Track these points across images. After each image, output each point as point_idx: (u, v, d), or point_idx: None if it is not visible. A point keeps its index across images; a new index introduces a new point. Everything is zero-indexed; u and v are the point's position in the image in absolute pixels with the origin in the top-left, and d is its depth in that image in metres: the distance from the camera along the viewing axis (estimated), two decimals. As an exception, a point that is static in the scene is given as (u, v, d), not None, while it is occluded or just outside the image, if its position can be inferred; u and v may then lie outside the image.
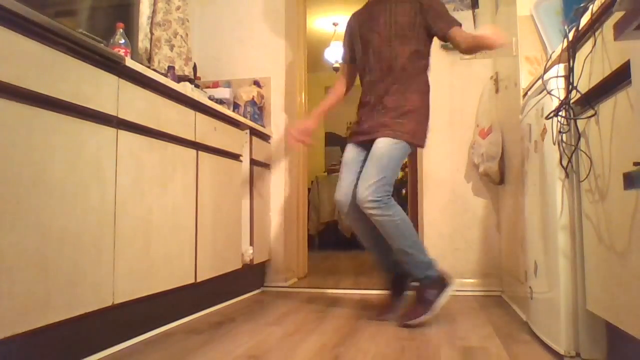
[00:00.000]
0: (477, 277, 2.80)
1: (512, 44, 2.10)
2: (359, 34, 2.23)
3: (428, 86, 2.21)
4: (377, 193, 1.96)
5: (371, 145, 2.08)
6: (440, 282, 2.03)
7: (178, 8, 2.64)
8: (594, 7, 1.22)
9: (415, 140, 2.11)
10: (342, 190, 2.14)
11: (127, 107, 1.68)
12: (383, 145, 2.04)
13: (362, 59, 2.22)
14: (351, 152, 2.20)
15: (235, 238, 2.58)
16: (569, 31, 1.40)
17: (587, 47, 1.31)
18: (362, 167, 2.11)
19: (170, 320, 1.99)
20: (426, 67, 2.20)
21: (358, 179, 2.07)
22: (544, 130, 1.58)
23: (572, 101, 1.39)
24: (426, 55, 2.19)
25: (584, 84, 1.33)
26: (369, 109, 2.16)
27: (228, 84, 3.01)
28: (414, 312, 1.94)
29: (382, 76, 2.13)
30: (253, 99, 2.95)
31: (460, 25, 2.08)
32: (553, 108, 1.45)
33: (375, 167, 2.00)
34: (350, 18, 2.35)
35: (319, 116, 2.42)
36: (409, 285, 2.15)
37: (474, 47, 2.00)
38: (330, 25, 5.58)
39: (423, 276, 2.03)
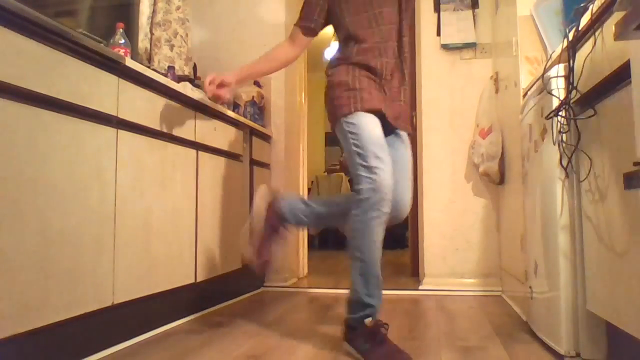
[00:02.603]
0: (477, 277, 2.80)
1: None
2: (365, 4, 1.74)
3: None
4: None
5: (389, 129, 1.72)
6: None
7: (178, 8, 2.64)
8: (594, 7, 1.22)
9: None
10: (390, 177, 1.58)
11: (127, 107, 1.68)
12: (409, 150, 1.81)
13: (372, 35, 1.72)
14: (378, 127, 1.66)
15: (235, 238, 2.58)
16: (569, 31, 1.40)
17: (587, 47, 1.31)
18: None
19: (170, 320, 1.99)
20: None
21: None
22: (544, 130, 1.58)
23: (572, 101, 1.39)
24: None
25: (584, 84, 1.33)
26: (390, 92, 1.73)
27: (228, 84, 3.01)
28: None
29: (398, 65, 1.75)
30: (253, 99, 2.95)
31: None
32: (553, 108, 1.45)
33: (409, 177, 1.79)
34: None
35: (244, 78, 1.99)
36: None
37: None
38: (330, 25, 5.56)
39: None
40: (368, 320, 1.55)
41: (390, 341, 1.55)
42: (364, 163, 1.58)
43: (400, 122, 1.76)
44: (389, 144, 1.67)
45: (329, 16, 1.85)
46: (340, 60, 1.78)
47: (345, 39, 1.81)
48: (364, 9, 1.74)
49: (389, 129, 1.73)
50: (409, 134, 1.84)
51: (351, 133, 1.67)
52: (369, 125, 1.65)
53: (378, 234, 1.57)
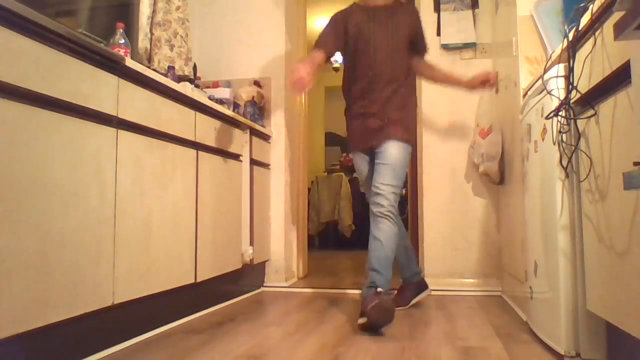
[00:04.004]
0: (477, 277, 2.80)
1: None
2: (356, 34, 2.19)
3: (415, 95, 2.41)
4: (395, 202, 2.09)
5: (374, 152, 2.18)
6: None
7: (178, 8, 2.63)
8: (594, 7, 1.22)
9: (413, 141, 2.27)
10: None
11: (127, 107, 1.68)
12: (396, 150, 2.12)
13: (361, 61, 2.20)
14: (362, 161, 2.29)
15: (235, 238, 2.58)
16: (569, 31, 1.40)
17: (587, 47, 1.31)
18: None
19: (170, 320, 1.99)
20: None
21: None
22: (544, 130, 1.58)
23: (572, 101, 1.39)
24: None
25: (584, 84, 1.33)
26: (371, 116, 2.19)
27: (228, 84, 3.01)
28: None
29: (385, 82, 2.18)
30: (253, 99, 2.95)
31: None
32: (553, 108, 1.45)
33: (391, 174, 2.10)
34: (342, 13, 2.24)
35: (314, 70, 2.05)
36: (375, 292, 1.97)
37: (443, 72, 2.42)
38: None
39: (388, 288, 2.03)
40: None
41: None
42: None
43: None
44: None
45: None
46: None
47: None
48: None
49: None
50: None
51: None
52: None
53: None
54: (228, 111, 2.51)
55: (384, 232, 2.04)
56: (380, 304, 1.82)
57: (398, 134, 2.13)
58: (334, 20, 2.25)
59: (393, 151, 2.11)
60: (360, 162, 2.29)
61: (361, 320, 1.89)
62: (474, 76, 2.31)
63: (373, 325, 1.83)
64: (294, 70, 1.91)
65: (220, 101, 2.55)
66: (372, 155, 2.22)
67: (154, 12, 2.54)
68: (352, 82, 2.25)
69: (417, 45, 2.28)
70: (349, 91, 2.28)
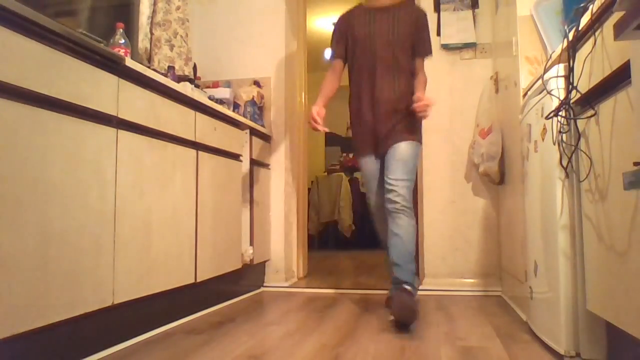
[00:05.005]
0: (477, 277, 2.80)
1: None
2: (357, 35, 2.24)
3: None
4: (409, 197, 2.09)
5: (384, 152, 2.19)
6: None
7: (178, 8, 2.64)
8: (594, 7, 1.22)
9: (420, 140, 2.26)
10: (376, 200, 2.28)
11: (127, 107, 1.68)
12: (406, 147, 2.13)
13: (360, 62, 2.23)
14: (370, 163, 2.27)
15: (235, 238, 2.58)
16: (569, 31, 1.40)
17: (587, 47, 1.31)
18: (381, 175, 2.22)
19: (170, 320, 1.99)
20: None
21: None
22: (544, 130, 1.58)
23: (572, 101, 1.39)
24: None
25: (584, 84, 1.33)
26: (377, 119, 2.19)
27: (228, 84, 3.01)
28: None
29: (388, 84, 2.18)
30: (253, 99, 2.95)
31: (431, 55, 2.31)
32: (553, 108, 1.45)
33: (403, 169, 2.10)
34: (346, 16, 2.34)
35: (324, 104, 2.25)
36: (402, 288, 2.03)
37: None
38: (330, 25, 5.55)
39: (412, 280, 2.09)
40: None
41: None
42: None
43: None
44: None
45: None
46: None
47: None
48: None
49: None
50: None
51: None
52: None
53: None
54: (228, 111, 2.51)
55: (402, 227, 2.05)
56: (404, 303, 1.87)
57: (405, 135, 2.14)
58: (338, 27, 2.35)
59: (403, 147, 2.12)
60: (370, 165, 2.27)
61: (391, 318, 1.97)
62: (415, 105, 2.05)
63: (399, 324, 1.89)
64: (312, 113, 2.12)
65: (220, 101, 2.55)
66: (380, 157, 2.23)
67: (154, 12, 2.54)
68: (356, 85, 2.26)
69: (417, 46, 2.25)
70: (353, 95, 2.29)
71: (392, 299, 2.01)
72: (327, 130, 2.18)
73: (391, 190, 2.07)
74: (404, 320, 1.87)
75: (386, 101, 2.17)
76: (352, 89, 2.29)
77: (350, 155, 6.14)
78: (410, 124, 2.17)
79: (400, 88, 2.18)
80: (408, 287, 2.01)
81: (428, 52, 2.28)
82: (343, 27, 2.32)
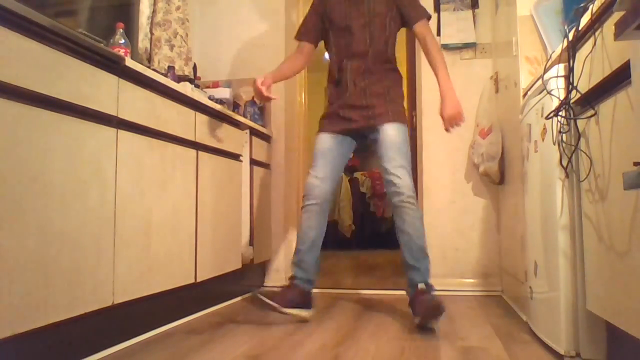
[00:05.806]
0: (477, 277, 2.80)
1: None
2: (333, 17, 2.17)
3: (401, 75, 2.26)
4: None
5: (355, 134, 2.14)
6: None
7: (178, 8, 2.63)
8: (594, 7, 1.22)
9: (405, 120, 2.16)
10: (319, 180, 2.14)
11: (127, 107, 1.68)
12: (395, 132, 2.05)
13: (337, 45, 2.16)
14: (328, 141, 2.14)
15: (235, 238, 2.58)
16: (569, 31, 1.40)
17: (587, 47, 1.31)
18: (339, 160, 2.16)
19: (170, 320, 1.99)
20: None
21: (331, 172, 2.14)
22: (544, 130, 1.58)
23: (572, 101, 1.39)
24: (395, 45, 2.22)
25: (584, 84, 1.33)
26: (352, 95, 2.10)
27: (228, 84, 3.01)
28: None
29: (365, 63, 2.11)
30: (253, 98, 2.95)
31: (429, 17, 2.21)
32: (553, 108, 1.45)
33: (399, 155, 2.02)
34: None
35: (276, 79, 2.21)
36: (419, 291, 1.97)
37: (434, 68, 2.16)
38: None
39: (427, 277, 2.03)
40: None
41: None
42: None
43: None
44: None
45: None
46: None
47: None
48: None
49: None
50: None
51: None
52: None
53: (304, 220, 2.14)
54: (228, 111, 2.51)
55: (409, 222, 1.99)
56: (427, 302, 1.85)
57: (389, 116, 2.06)
58: (313, 8, 2.30)
59: (391, 132, 2.03)
60: (330, 141, 2.14)
61: (416, 320, 1.90)
62: (443, 112, 2.11)
63: (426, 323, 1.85)
64: (255, 81, 2.06)
65: (220, 101, 2.55)
66: (346, 140, 2.15)
67: (154, 12, 2.54)
68: (334, 68, 2.18)
69: (407, 14, 2.13)
70: (331, 80, 2.20)
71: (412, 304, 1.96)
72: (275, 98, 2.13)
73: (393, 182, 1.97)
74: (432, 318, 1.82)
75: (368, 83, 2.10)
76: (333, 75, 2.20)
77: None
78: (391, 105, 2.08)
79: (383, 70, 2.13)
80: (424, 287, 1.95)
81: (422, 14, 2.16)
82: (320, 6, 2.25)
